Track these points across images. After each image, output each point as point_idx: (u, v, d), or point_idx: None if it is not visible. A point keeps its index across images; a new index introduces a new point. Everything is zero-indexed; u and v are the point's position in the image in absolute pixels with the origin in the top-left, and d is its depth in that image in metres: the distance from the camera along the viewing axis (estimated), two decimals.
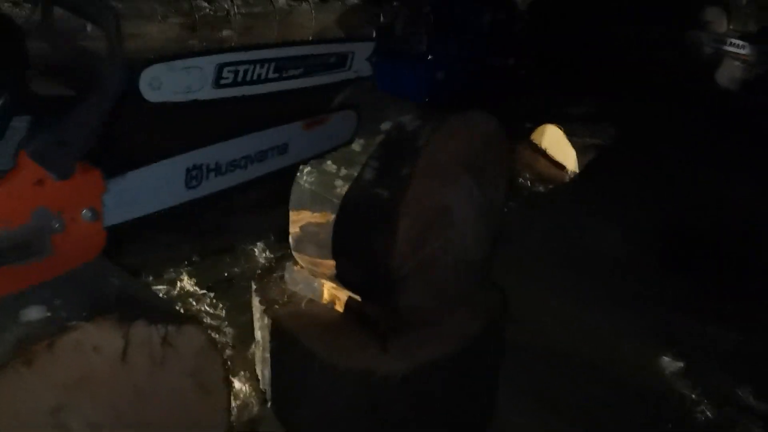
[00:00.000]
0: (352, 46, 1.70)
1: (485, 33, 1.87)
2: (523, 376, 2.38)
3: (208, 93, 1.41)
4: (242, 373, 2.31)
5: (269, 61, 1.49)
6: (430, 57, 1.70)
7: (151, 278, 2.72)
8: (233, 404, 2.22)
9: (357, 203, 1.75)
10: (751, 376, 2.55)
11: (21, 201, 1.06)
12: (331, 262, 1.87)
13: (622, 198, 4.12)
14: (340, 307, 2.02)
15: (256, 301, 2.08)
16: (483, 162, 1.94)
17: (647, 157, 4.65)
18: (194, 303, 2.65)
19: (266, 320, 2.00)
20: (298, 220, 1.88)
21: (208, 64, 1.39)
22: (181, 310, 2.51)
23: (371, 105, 1.79)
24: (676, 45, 6.32)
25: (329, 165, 1.80)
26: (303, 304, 2.06)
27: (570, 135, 4.66)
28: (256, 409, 2.21)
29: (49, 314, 1.10)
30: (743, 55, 6.11)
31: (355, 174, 1.76)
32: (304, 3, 4.20)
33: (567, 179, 4.51)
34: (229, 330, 2.55)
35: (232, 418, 2.19)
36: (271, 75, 1.52)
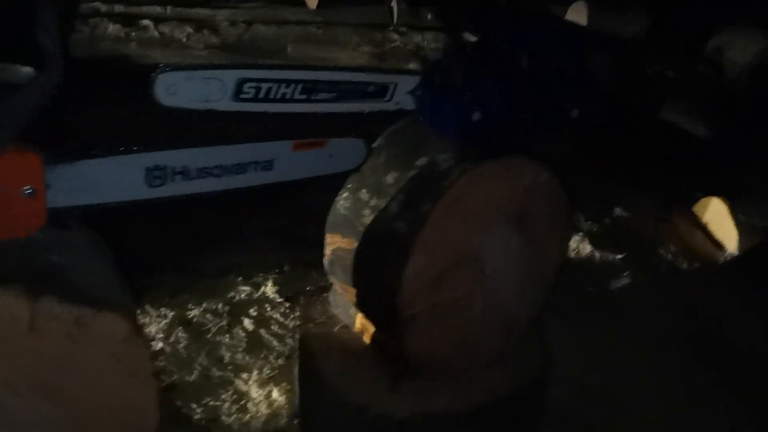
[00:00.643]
0: (395, 77, 1.70)
1: (530, 76, 1.76)
2: None
3: (226, 105, 1.49)
4: (283, 384, 2.36)
5: (294, 82, 1.55)
6: (467, 93, 1.64)
7: (240, 279, 2.89)
8: (265, 412, 2.31)
9: (377, 234, 1.74)
10: None
11: None
12: (354, 290, 1.87)
13: None
14: (367, 338, 2.00)
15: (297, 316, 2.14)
16: (529, 214, 1.81)
17: None
18: (269, 309, 2.76)
19: (296, 336, 2.04)
20: (332, 243, 1.90)
21: (229, 77, 1.48)
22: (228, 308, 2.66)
23: (410, 138, 1.77)
24: None
25: (363, 193, 1.81)
26: (336, 328, 2.07)
27: (737, 212, 4.14)
28: (284, 421, 2.25)
29: None
30: None
31: (383, 205, 1.75)
32: None
33: (720, 260, 3.99)
34: (290, 341, 2.62)
35: (259, 424, 2.28)
36: (297, 96, 1.58)
